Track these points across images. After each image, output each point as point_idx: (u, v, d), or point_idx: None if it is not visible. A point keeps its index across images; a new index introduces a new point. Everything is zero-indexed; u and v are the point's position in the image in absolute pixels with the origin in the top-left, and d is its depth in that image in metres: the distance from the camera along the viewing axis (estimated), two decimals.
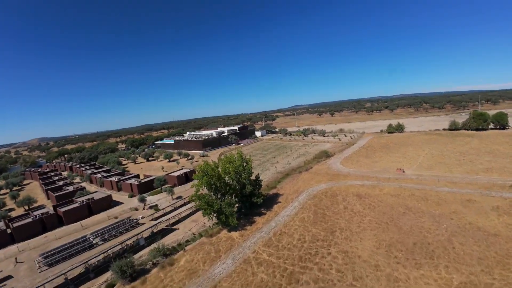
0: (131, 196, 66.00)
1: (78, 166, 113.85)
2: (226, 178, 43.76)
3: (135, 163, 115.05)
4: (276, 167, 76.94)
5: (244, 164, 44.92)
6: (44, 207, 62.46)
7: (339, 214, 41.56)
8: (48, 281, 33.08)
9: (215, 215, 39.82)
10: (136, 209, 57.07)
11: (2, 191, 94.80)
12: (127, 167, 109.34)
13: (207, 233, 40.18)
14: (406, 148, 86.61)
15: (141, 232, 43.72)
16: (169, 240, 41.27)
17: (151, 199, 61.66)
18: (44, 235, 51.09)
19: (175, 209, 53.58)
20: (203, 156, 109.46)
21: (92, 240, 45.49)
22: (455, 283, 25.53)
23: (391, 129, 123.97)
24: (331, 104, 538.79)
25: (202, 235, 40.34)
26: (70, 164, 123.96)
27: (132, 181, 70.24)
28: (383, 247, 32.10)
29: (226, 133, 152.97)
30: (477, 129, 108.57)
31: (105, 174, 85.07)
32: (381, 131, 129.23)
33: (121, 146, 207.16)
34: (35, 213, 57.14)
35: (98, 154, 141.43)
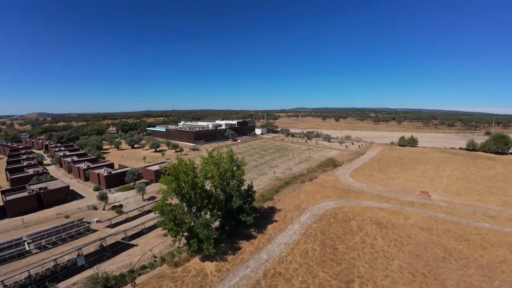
0: (97, 189, 54.46)
1: (53, 146, 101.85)
2: (208, 184, 32.40)
3: (118, 149, 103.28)
4: (274, 172, 65.59)
5: (235, 168, 33.46)
6: None
7: (356, 251, 30.38)
8: None
9: (184, 235, 28.48)
10: (95, 208, 45.56)
11: None
12: (107, 152, 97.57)
13: (172, 260, 28.83)
14: (424, 166, 75.66)
15: (87, 244, 32.22)
16: (120, 262, 29.97)
17: (117, 196, 50.17)
18: None
19: (142, 214, 42.16)
20: (193, 150, 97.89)
21: (26, 245, 34.09)
22: None
23: (403, 142, 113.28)
24: (334, 110, 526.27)
25: (165, 260, 29.05)
26: (47, 143, 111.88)
27: (102, 171, 58.61)
28: None
29: (223, 127, 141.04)
30: (496, 152, 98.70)
31: (76, 159, 73.32)
32: (392, 143, 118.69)
33: (112, 129, 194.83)
34: None
35: (82, 135, 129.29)
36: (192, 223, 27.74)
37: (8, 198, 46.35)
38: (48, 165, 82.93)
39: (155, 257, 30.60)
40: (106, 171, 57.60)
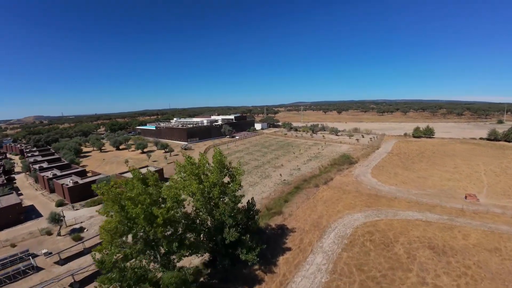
0: (59, 204, 43.38)
1: (27, 151, 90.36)
2: (189, 203, 21.35)
3: (101, 151, 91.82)
4: (281, 174, 54.32)
5: (226, 180, 22.23)
6: None
7: None
8: None
9: None
10: (49, 233, 34.55)
11: None
12: (88, 156, 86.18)
13: None
14: (453, 161, 64.80)
15: None
16: None
17: (80, 215, 39.03)
18: None
19: None
20: (185, 149, 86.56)
21: None
22: None
23: (418, 133, 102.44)
24: (334, 103, 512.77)
25: None
26: (23, 147, 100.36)
27: (67, 180, 47.40)
28: None
29: (219, 122, 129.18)
30: None
31: (45, 166, 62.04)
32: (405, 134, 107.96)
33: (102, 129, 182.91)
34: None
35: (64, 137, 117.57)
36: (158, 276, 16.69)
37: None
38: (19, 173, 71.84)
39: None
40: (71, 181, 46.42)
